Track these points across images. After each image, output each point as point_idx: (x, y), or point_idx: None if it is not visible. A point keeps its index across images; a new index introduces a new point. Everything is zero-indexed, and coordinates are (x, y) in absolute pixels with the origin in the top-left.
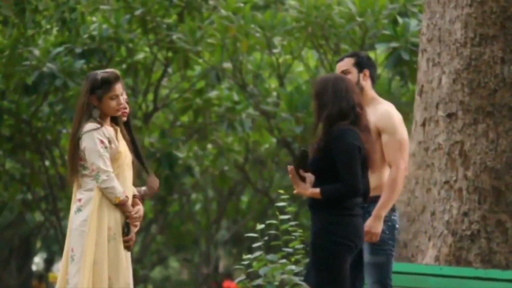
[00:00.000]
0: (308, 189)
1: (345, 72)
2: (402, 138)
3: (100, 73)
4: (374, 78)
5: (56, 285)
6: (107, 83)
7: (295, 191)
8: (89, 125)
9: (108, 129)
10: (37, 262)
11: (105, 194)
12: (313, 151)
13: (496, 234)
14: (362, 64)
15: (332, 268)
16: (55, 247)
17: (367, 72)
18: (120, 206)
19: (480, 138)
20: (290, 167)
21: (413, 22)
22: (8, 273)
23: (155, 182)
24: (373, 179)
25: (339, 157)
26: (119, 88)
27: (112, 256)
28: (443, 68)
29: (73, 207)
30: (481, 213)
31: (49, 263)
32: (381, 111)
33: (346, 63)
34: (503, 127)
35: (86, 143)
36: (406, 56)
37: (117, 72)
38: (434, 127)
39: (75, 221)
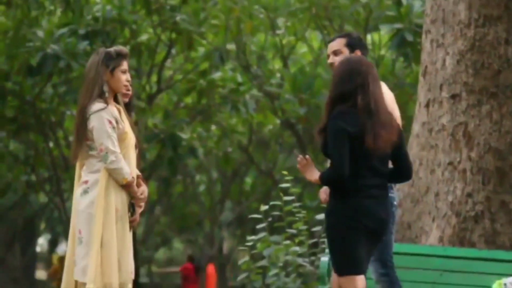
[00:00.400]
0: (313, 175)
1: (336, 52)
2: (396, 116)
3: (112, 48)
4: (366, 57)
5: (65, 266)
6: (121, 56)
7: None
8: (97, 105)
9: (114, 109)
10: (41, 243)
11: (113, 175)
12: (317, 134)
13: (500, 215)
14: (354, 44)
15: (342, 249)
16: (59, 228)
17: (358, 52)
18: (127, 187)
19: (484, 119)
20: (300, 157)
21: (417, 3)
22: (13, 254)
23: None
24: None
25: (329, 141)
26: (127, 64)
27: (120, 237)
28: (447, 49)
29: (79, 189)
30: (485, 194)
31: (53, 244)
32: None
33: (338, 43)
34: (507, 108)
35: (94, 123)
36: (410, 37)
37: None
38: (438, 108)
39: (81, 203)
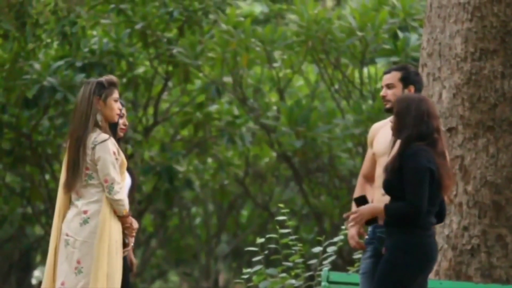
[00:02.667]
0: (368, 208)
1: (389, 86)
2: None
3: (102, 78)
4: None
5: None
6: (113, 85)
7: (350, 225)
8: (102, 135)
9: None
10: (37, 275)
11: (114, 205)
12: (387, 171)
13: (496, 249)
14: (409, 79)
15: (400, 287)
16: None
17: (412, 88)
18: (124, 217)
19: (480, 152)
20: (346, 215)
21: (413, 37)
22: (8, 286)
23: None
24: None
25: (407, 175)
26: (118, 92)
27: (116, 267)
28: (443, 82)
29: (76, 218)
30: (481, 227)
31: None
32: None
33: (392, 77)
34: (503, 141)
35: (100, 153)
36: None
37: None
38: None
39: (81, 233)
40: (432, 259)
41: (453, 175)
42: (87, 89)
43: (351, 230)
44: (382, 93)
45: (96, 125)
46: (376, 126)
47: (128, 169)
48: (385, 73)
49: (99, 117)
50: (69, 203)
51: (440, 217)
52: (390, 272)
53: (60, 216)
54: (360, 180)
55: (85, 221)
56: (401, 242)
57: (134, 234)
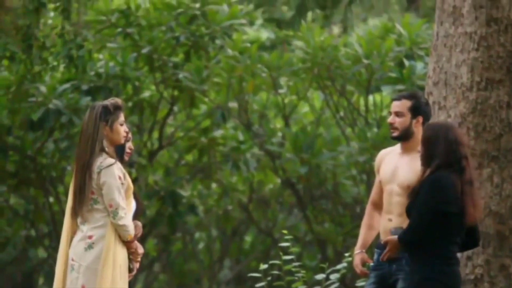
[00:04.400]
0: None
1: (398, 114)
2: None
3: (107, 101)
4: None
5: None
6: (118, 109)
7: (385, 257)
8: (108, 160)
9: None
10: None
11: (119, 231)
12: (411, 195)
13: (499, 279)
14: (419, 110)
15: None
16: None
17: (420, 119)
18: (129, 242)
19: (485, 182)
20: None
21: (419, 65)
22: None
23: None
24: (404, 221)
25: (421, 193)
26: (123, 115)
27: None
28: (449, 111)
29: (81, 243)
30: (484, 257)
31: None
32: None
33: (402, 105)
34: (508, 172)
35: (106, 178)
36: None
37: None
38: None
39: (86, 258)
40: (457, 286)
41: (480, 204)
42: (93, 114)
43: (356, 258)
44: (389, 120)
45: (102, 150)
46: (382, 153)
47: (133, 194)
48: (394, 99)
49: (105, 143)
50: (75, 227)
51: (474, 242)
52: None
53: (67, 240)
54: (368, 208)
55: (89, 246)
56: (431, 272)
57: (139, 259)
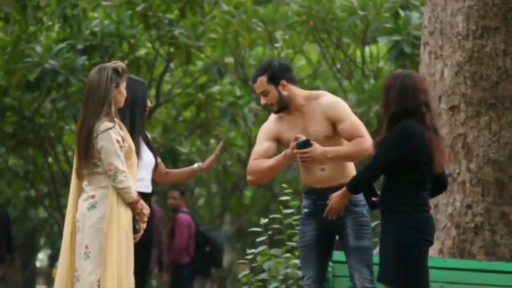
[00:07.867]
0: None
1: (263, 93)
2: (357, 120)
3: (115, 64)
4: (294, 79)
5: (57, 281)
6: (124, 72)
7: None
8: (105, 124)
9: (118, 127)
10: (41, 258)
11: (120, 193)
12: (376, 147)
13: (499, 227)
14: (276, 76)
15: (418, 265)
16: (59, 244)
17: (284, 82)
18: (132, 204)
19: (483, 130)
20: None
21: (414, 15)
22: (13, 270)
23: (214, 160)
24: (335, 169)
25: (386, 140)
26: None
27: (127, 254)
28: (445, 61)
29: (84, 203)
30: (484, 205)
31: (53, 259)
32: (326, 102)
33: (261, 84)
34: (505, 119)
35: (103, 142)
36: (408, 49)
37: None
38: None
39: (89, 218)
40: (433, 233)
41: (445, 149)
42: (104, 76)
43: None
44: (261, 101)
45: (108, 112)
46: (271, 125)
47: (151, 148)
48: (253, 82)
49: (113, 105)
50: (81, 188)
51: (443, 187)
52: (403, 253)
53: (74, 202)
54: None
55: (92, 206)
56: (409, 221)
57: (145, 219)
